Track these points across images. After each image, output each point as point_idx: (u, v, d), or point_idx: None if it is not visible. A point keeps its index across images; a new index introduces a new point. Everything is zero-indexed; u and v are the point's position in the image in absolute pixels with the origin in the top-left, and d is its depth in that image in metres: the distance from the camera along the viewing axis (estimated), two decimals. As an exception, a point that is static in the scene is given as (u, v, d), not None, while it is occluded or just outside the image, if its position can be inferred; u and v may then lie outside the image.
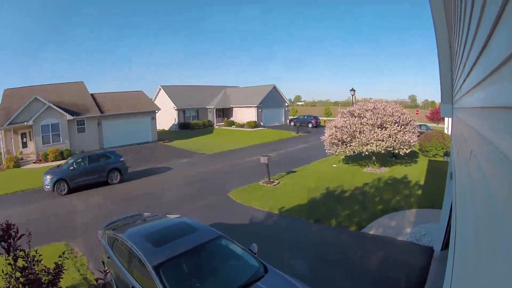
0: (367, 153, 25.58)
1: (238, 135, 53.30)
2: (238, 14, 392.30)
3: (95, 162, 26.36)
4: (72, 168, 25.12)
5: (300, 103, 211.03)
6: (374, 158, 27.45)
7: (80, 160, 25.91)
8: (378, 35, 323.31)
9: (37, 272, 5.75)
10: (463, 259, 3.36)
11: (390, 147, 25.07)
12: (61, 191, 24.27)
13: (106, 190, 24.73)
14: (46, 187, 24.30)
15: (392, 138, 24.74)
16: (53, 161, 39.05)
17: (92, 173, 25.87)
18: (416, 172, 24.86)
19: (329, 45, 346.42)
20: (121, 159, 27.55)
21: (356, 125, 25.87)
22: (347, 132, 26.05)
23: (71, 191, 24.53)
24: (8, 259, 5.55)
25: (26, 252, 5.72)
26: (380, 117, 25.40)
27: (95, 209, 20.20)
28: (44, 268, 6.02)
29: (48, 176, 24.47)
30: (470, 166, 3.29)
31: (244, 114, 65.42)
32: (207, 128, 64.11)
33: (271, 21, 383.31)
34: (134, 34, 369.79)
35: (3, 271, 5.91)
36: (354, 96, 36.27)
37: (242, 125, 63.40)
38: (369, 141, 25.14)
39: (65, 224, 18.07)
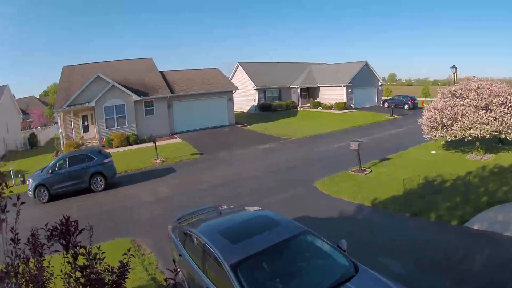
0: (470, 138, 24.72)
1: (325, 118, 52.79)
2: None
3: (75, 164, 24.26)
4: (51, 171, 23.68)
5: (394, 83, 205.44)
6: (477, 143, 26.29)
7: (61, 161, 24.22)
8: (486, 6, 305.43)
9: (100, 271, 5.76)
10: None
11: (496, 132, 24.15)
12: (42, 199, 23.24)
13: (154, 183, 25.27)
14: (29, 193, 23.42)
15: (498, 121, 23.79)
16: (117, 147, 39.51)
17: (72, 178, 23.94)
18: (527, 160, 23.47)
19: (428, 17, 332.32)
20: (106, 160, 25.19)
21: (458, 107, 25.00)
22: (447, 114, 25.21)
23: (52, 198, 23.61)
24: (67, 257, 5.46)
25: (87, 249, 5.64)
26: (484, 98, 24.48)
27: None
28: (107, 267, 5.98)
29: (30, 180, 23.78)
30: None
31: (332, 94, 64.45)
32: (291, 110, 63.86)
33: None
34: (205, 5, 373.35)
35: (61, 271, 5.86)
36: (455, 75, 34.78)
37: (329, 107, 62.57)
38: (472, 124, 24.31)
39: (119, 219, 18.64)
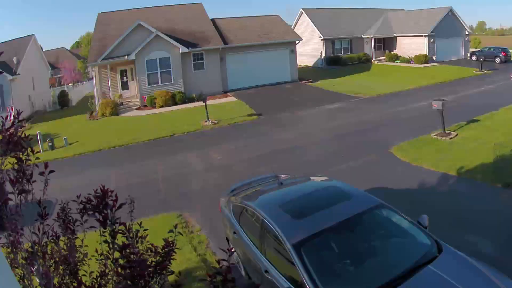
0: None
1: (403, 73, 51.93)
2: None
3: None
4: None
5: (484, 32, 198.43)
6: None
7: None
8: None
9: (141, 251, 5.75)
10: None
11: None
12: None
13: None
14: None
15: None
16: (161, 106, 39.49)
17: None
18: None
19: None
20: None
21: None
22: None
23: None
24: (103, 235, 5.27)
25: (127, 226, 5.56)
26: None
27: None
28: (150, 246, 5.96)
29: None
30: None
31: (411, 46, 63.04)
32: (363, 63, 63.20)
33: None
34: None
35: (96, 251, 5.83)
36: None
37: (408, 60, 61.36)
38: None
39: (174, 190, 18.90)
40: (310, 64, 66.42)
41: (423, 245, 8.25)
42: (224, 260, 4.83)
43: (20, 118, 5.46)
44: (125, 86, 44.54)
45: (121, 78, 44.25)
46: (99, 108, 39.57)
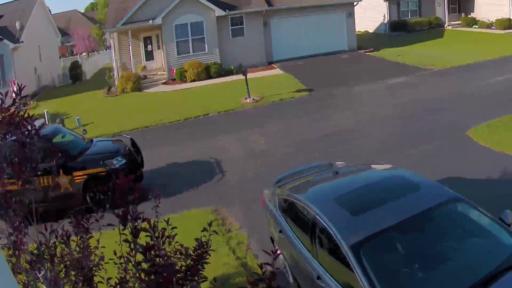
0: None
1: (482, 41, 51.07)
2: None
3: None
4: None
5: None
6: None
7: None
8: None
9: (169, 254, 5.67)
10: None
11: None
12: None
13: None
14: None
15: None
16: (193, 81, 39.49)
17: None
18: None
19: None
20: None
21: None
22: None
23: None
24: (123, 233, 5.06)
25: (152, 223, 5.45)
26: None
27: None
28: (179, 247, 5.90)
29: None
30: None
31: (492, 8, 61.65)
32: (434, 29, 62.30)
33: None
34: None
35: (115, 253, 5.67)
36: None
37: (488, 25, 60.11)
38: None
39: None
40: (371, 30, 66.08)
41: (507, 245, 8.07)
42: (268, 264, 4.70)
43: (24, 93, 5.42)
44: (149, 56, 44.74)
45: (145, 47, 44.49)
46: (118, 83, 39.84)
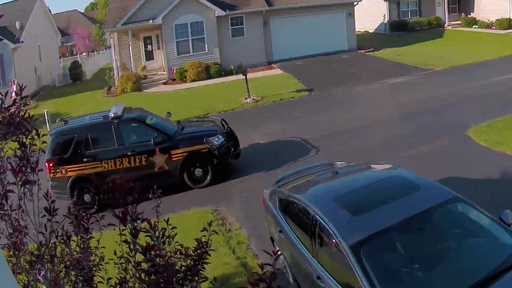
0: None
1: (482, 41, 51.15)
2: None
3: None
4: None
5: None
6: None
7: None
8: None
9: (169, 254, 5.67)
10: None
11: None
12: None
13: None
14: None
15: None
16: (193, 80, 39.47)
17: None
18: None
19: None
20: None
21: None
22: None
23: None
24: (123, 234, 5.02)
25: (152, 223, 5.44)
26: None
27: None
28: (179, 247, 5.90)
29: None
30: None
31: (492, 8, 61.63)
32: (434, 29, 62.34)
33: None
34: None
35: (115, 253, 5.63)
36: None
37: (488, 25, 60.13)
38: None
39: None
40: (371, 30, 66.08)
41: (507, 246, 8.08)
42: (268, 264, 4.70)
43: (24, 94, 5.42)
44: (149, 56, 44.67)
45: (145, 47, 44.43)
46: (118, 83, 39.82)
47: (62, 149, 18.26)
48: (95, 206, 17.88)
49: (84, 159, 18.07)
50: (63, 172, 17.85)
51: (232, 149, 19.22)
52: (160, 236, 5.66)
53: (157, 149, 18.03)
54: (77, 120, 21.03)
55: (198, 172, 18.42)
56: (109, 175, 17.59)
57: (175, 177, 18.28)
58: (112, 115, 18.66)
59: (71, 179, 18.00)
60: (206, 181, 18.50)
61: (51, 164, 17.67)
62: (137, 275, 5.02)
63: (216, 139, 18.59)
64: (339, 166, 12.32)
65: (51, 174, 17.26)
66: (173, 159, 18.10)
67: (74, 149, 18.15)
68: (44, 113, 29.23)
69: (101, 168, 18.00)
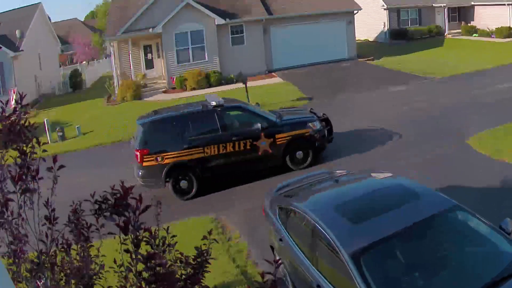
0: None
1: (482, 49, 51.27)
2: None
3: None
4: None
5: None
6: None
7: None
8: None
9: (169, 262, 5.66)
10: None
11: None
12: None
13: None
14: None
15: None
16: (193, 89, 39.34)
17: None
18: None
19: None
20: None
21: None
22: None
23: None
24: (125, 243, 4.95)
25: (153, 232, 5.40)
26: None
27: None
28: (179, 256, 5.89)
29: None
30: None
31: (492, 17, 61.71)
32: (434, 38, 62.54)
33: None
34: None
35: (115, 262, 5.69)
36: None
37: (488, 34, 60.20)
38: None
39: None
40: (371, 38, 66.26)
41: (507, 254, 8.05)
42: (269, 273, 4.69)
43: (24, 102, 5.43)
44: (149, 64, 44.70)
45: (145, 55, 44.46)
46: (118, 91, 39.81)
47: (158, 137, 19.02)
48: (193, 191, 18.64)
49: (185, 146, 18.70)
50: (159, 160, 18.44)
51: (330, 133, 20.76)
52: (161, 244, 5.66)
53: (262, 134, 19.08)
54: (167, 111, 21.56)
55: (299, 154, 19.66)
56: (211, 160, 18.83)
57: (278, 159, 19.54)
58: (214, 103, 19.48)
59: (168, 166, 18.50)
60: (306, 163, 19.72)
61: (144, 153, 18.36)
62: (138, 284, 5.00)
63: (316, 124, 20.09)
64: (338, 174, 12.36)
65: (143, 163, 18.31)
66: (277, 143, 19.24)
67: (173, 137, 18.93)
68: (44, 122, 29.29)
69: (203, 154, 18.74)
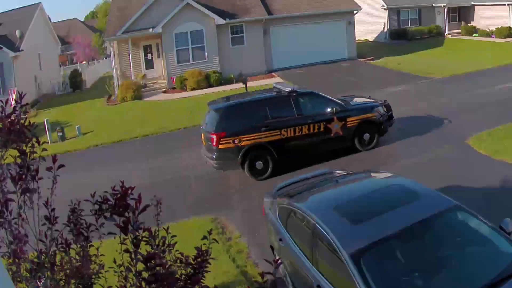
0: None
1: (483, 49, 51.21)
2: None
3: None
4: None
5: None
6: None
7: None
8: None
9: (169, 262, 5.64)
10: None
11: None
12: None
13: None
14: None
15: None
16: (193, 89, 39.28)
17: None
18: None
19: None
20: None
21: None
22: None
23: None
24: (124, 243, 4.89)
25: (153, 232, 5.37)
26: None
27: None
28: (179, 256, 5.87)
29: None
30: None
31: (492, 17, 61.66)
32: (434, 38, 62.49)
33: None
34: None
35: (115, 262, 5.64)
36: None
37: (488, 34, 60.16)
38: None
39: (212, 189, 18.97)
40: (371, 38, 66.12)
41: (507, 254, 8.03)
42: (269, 273, 4.67)
43: (24, 102, 5.41)
44: (149, 64, 44.59)
45: (145, 55, 44.36)
46: (118, 91, 39.76)
47: (235, 121, 19.61)
48: (268, 171, 19.56)
49: (263, 129, 19.39)
50: (236, 142, 19.08)
51: (390, 118, 21.82)
52: (161, 244, 5.65)
53: (335, 117, 20.19)
54: (241, 97, 23.06)
55: (366, 137, 20.77)
56: (288, 141, 19.71)
57: (347, 141, 20.74)
58: (289, 89, 20.62)
59: (245, 148, 19.16)
60: (372, 144, 21.00)
61: (221, 136, 18.99)
62: (138, 284, 4.97)
63: (381, 108, 21.36)
64: (338, 174, 12.33)
65: (218, 145, 18.90)
66: (348, 125, 20.38)
67: (250, 121, 19.57)
68: (44, 122, 29.31)
69: (279, 136, 19.58)
